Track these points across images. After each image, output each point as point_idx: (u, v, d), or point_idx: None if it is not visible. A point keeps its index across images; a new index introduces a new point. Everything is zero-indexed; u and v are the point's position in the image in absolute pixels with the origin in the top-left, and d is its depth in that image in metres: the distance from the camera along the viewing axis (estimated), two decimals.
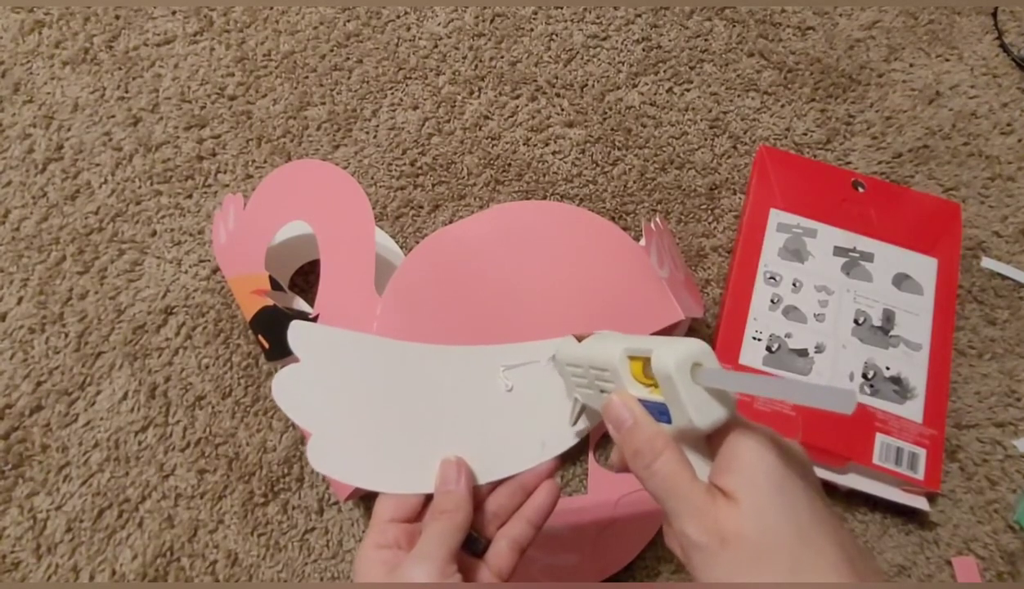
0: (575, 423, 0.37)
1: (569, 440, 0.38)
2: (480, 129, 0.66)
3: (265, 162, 0.63)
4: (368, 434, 0.37)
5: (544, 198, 0.64)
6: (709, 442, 0.30)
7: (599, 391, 0.33)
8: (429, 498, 0.36)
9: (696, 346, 0.28)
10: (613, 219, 0.63)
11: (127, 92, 0.65)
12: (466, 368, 0.39)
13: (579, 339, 0.36)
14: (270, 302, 0.47)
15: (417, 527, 0.36)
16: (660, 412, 0.29)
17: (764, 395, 0.25)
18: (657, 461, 0.29)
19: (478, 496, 0.36)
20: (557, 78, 0.69)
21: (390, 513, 0.35)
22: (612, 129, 0.67)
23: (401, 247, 0.60)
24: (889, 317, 0.56)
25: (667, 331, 0.48)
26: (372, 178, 0.63)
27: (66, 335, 0.55)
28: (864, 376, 0.54)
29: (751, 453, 0.27)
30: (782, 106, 0.69)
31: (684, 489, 0.28)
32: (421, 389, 0.38)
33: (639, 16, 0.72)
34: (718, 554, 0.26)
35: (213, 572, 0.50)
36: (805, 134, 0.68)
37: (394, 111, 0.66)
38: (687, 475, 0.28)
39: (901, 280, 0.58)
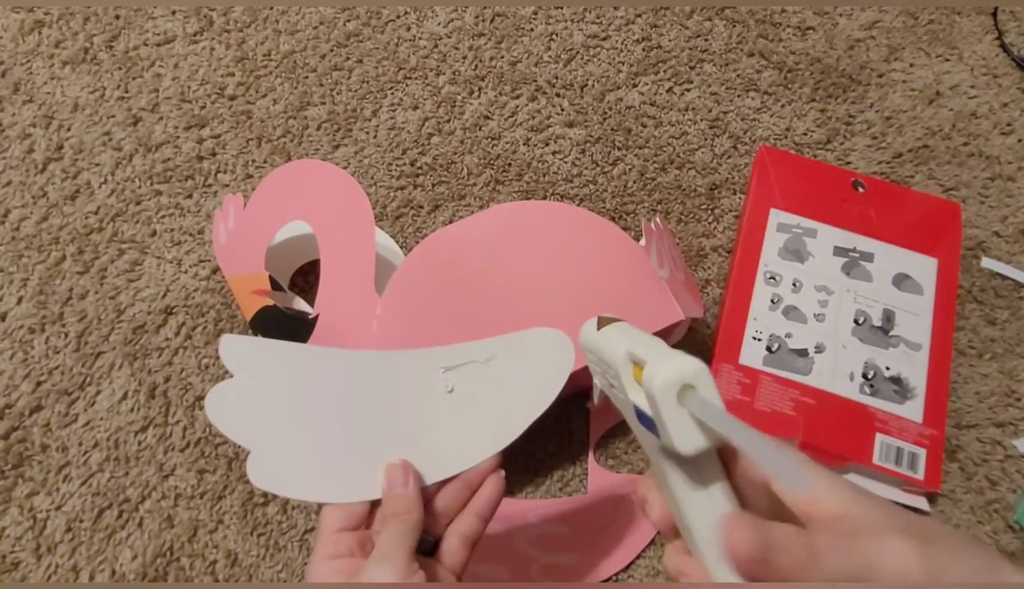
0: (597, 401, 0.36)
1: (511, 436, 0.38)
2: (480, 129, 0.66)
3: (265, 162, 0.63)
4: (308, 445, 0.36)
5: (544, 198, 0.64)
6: (720, 455, 0.28)
7: (609, 384, 0.32)
8: (376, 505, 0.36)
9: (691, 367, 0.26)
10: (613, 219, 0.63)
11: (127, 92, 0.65)
12: (404, 372, 0.39)
13: (602, 322, 0.34)
14: (270, 302, 0.47)
15: (367, 534, 0.36)
16: (651, 425, 0.27)
17: (738, 446, 0.24)
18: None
19: (425, 496, 0.36)
20: (557, 78, 0.69)
21: (338, 523, 0.35)
22: (612, 129, 0.67)
23: (401, 247, 0.60)
24: (889, 317, 0.56)
25: (667, 331, 0.48)
26: (372, 178, 0.63)
27: (66, 335, 0.55)
28: (864, 376, 0.54)
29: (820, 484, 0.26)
30: (782, 106, 0.69)
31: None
32: (360, 395, 0.38)
33: (639, 16, 0.72)
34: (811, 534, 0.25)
35: (213, 572, 0.50)
36: (805, 134, 0.68)
37: (394, 111, 0.66)
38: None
39: (901, 280, 0.58)
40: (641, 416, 0.28)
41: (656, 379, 0.26)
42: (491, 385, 0.39)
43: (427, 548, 0.36)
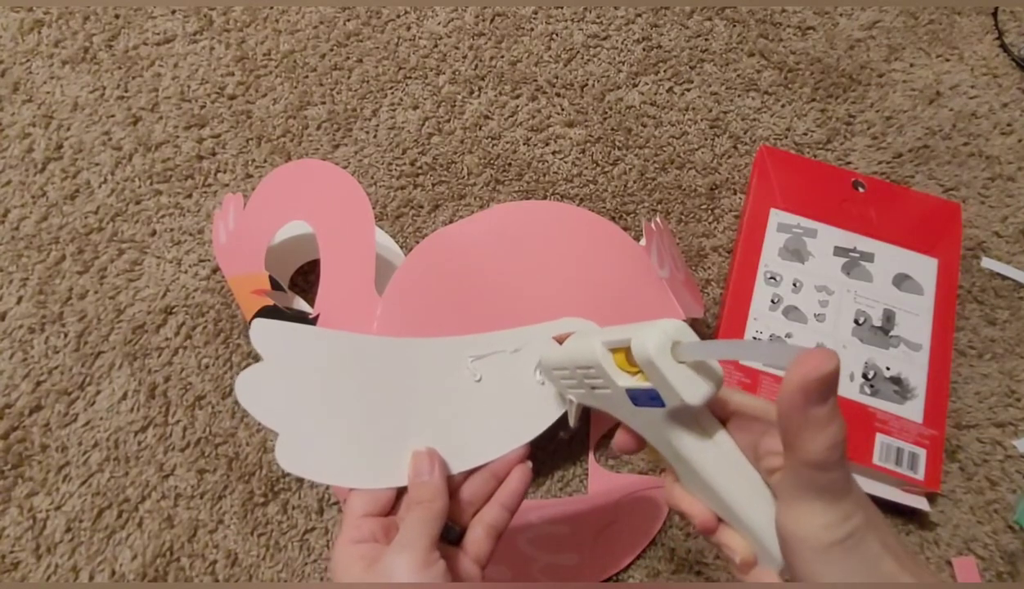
0: (575, 423, 0.37)
1: (539, 428, 0.38)
2: (480, 129, 0.66)
3: (265, 162, 0.63)
4: (337, 430, 0.36)
5: (544, 198, 0.64)
6: (714, 409, 0.30)
7: (591, 388, 0.33)
8: (402, 492, 0.36)
9: (671, 325, 0.28)
10: (613, 219, 0.63)
11: (127, 91, 0.65)
12: (433, 360, 0.38)
13: (559, 341, 0.36)
14: (270, 302, 0.47)
15: (392, 520, 0.36)
16: (652, 397, 0.29)
17: (741, 359, 0.27)
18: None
19: (451, 485, 0.36)
20: (557, 78, 0.69)
21: (363, 508, 0.35)
22: (612, 129, 0.67)
23: (401, 247, 0.60)
24: (889, 317, 0.56)
25: None
26: (372, 178, 0.63)
27: (66, 335, 0.55)
28: (864, 376, 0.54)
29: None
30: (782, 106, 0.69)
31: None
32: (389, 382, 0.37)
33: (639, 16, 0.72)
34: None
35: (213, 572, 0.50)
36: (805, 134, 0.68)
37: (394, 111, 0.66)
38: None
39: (901, 280, 0.58)
40: (636, 396, 0.30)
41: (649, 345, 0.27)
42: (518, 375, 0.39)
43: (452, 537, 0.36)
